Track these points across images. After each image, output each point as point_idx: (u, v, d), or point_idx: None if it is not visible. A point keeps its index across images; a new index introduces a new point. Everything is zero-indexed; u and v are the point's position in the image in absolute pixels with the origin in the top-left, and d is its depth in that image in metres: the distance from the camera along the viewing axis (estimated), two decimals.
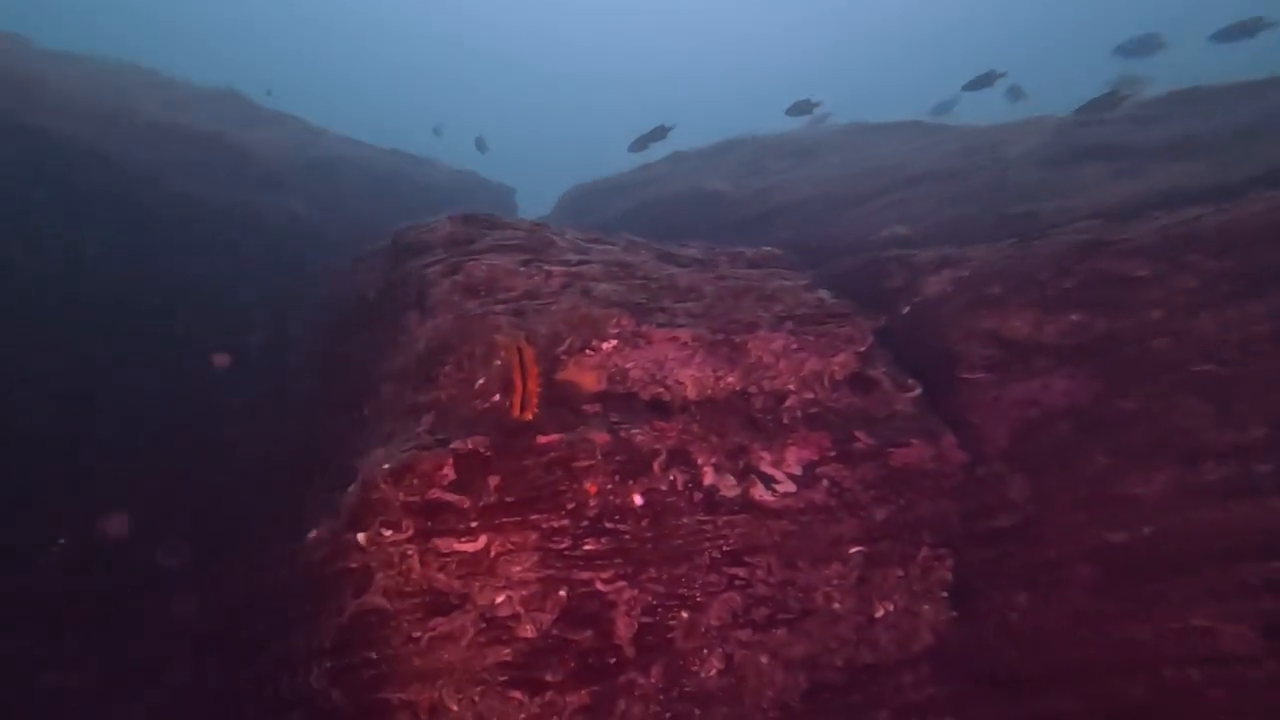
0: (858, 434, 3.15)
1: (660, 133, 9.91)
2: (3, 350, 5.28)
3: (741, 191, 8.66)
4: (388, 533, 2.12)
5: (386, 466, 2.20)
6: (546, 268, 3.41)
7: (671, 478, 2.71)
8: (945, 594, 3.04)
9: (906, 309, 4.16)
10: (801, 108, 10.08)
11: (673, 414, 2.88)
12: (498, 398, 2.65)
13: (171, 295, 6.84)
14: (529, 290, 3.24)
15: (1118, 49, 11.95)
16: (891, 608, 3.07)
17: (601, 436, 2.50)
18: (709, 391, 3.09)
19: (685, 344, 2.96)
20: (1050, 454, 3.06)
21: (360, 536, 2.10)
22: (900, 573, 3.11)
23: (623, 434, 2.59)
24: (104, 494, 4.79)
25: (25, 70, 9.08)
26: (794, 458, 3.07)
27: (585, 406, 2.79)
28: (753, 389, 3.20)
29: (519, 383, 2.59)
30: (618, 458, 2.53)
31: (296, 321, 6.80)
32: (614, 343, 2.88)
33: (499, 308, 3.04)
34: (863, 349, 3.27)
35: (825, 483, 3.04)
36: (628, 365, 2.94)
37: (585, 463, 2.42)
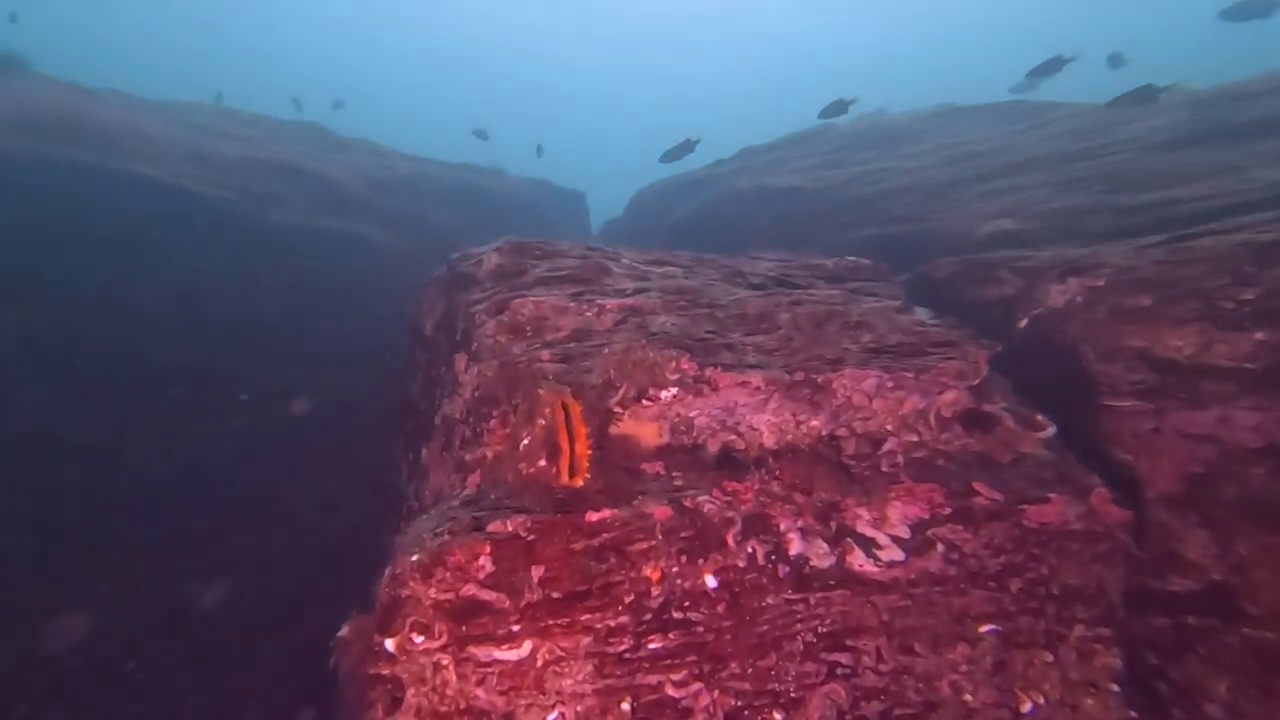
0: (977, 486, 2.64)
1: (688, 146, 10.22)
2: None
3: (818, 186, 8.12)
4: (419, 639, 1.82)
5: (414, 559, 1.90)
6: (600, 301, 3.08)
7: (750, 550, 2.30)
8: (1115, 686, 2.48)
9: (1023, 322, 3.59)
10: (836, 109, 9.83)
11: (747, 470, 2.47)
12: (543, 462, 2.32)
13: (250, 327, 6.98)
14: (579, 329, 2.91)
15: (1223, 14, 10.73)
16: (1042, 700, 2.54)
17: (661, 511, 2.13)
18: (789, 437, 2.67)
19: (757, 388, 2.55)
20: (1242, 505, 2.46)
21: (389, 644, 1.82)
22: (1049, 657, 2.57)
23: (687, 503, 2.21)
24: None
25: (118, 120, 9.63)
26: (898, 516, 2.60)
27: (644, 465, 2.43)
28: (842, 431, 2.75)
29: (565, 445, 2.26)
30: (683, 534, 2.14)
31: (367, 353, 6.79)
32: (674, 390, 2.50)
33: (545, 353, 2.73)
34: (975, 383, 2.76)
35: (940, 547, 2.56)
36: (692, 414, 2.56)
37: (643, 545, 2.06)
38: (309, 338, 7.10)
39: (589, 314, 3.03)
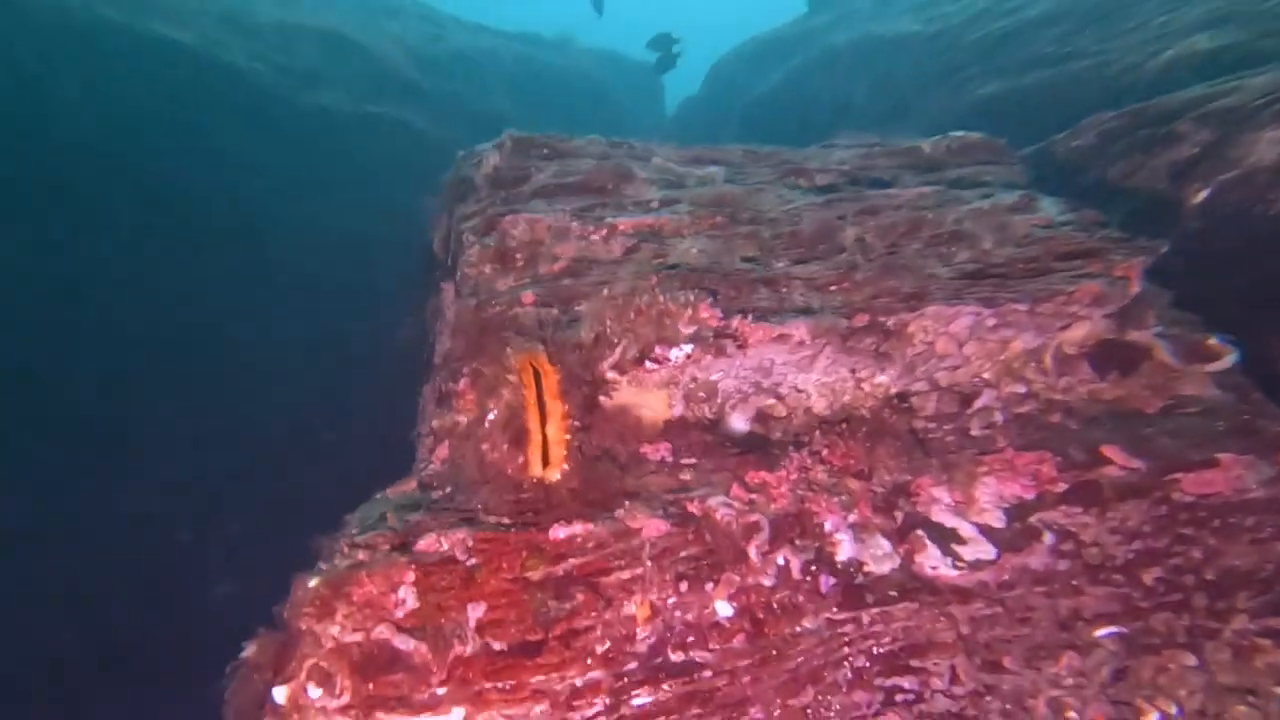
0: (1108, 451, 2.02)
1: (670, 55, 9.14)
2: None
3: (934, 30, 6.77)
4: (316, 693, 1.51)
5: (313, 584, 1.57)
6: (611, 220, 2.52)
7: (781, 561, 1.84)
8: None
9: (1204, 194, 2.72)
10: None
11: (783, 452, 1.95)
12: (508, 446, 1.89)
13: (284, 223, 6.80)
14: (578, 259, 2.39)
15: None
16: (1174, 710, 2.01)
17: (653, 527, 1.68)
18: (846, 399, 2.11)
19: (800, 342, 1.98)
20: None
21: (280, 693, 1.51)
22: (1191, 660, 2.02)
23: (693, 508, 1.76)
24: None
25: None
26: (990, 497, 2.05)
27: (645, 448, 1.97)
28: (919, 386, 2.17)
29: (535, 429, 1.81)
30: (684, 553, 1.69)
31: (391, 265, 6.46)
32: (689, 349, 1.97)
33: (530, 293, 2.24)
34: (1123, 305, 2.05)
35: (1048, 537, 2.00)
36: (713, 377, 2.03)
37: (625, 574, 1.63)
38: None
39: (595, 237, 2.48)
